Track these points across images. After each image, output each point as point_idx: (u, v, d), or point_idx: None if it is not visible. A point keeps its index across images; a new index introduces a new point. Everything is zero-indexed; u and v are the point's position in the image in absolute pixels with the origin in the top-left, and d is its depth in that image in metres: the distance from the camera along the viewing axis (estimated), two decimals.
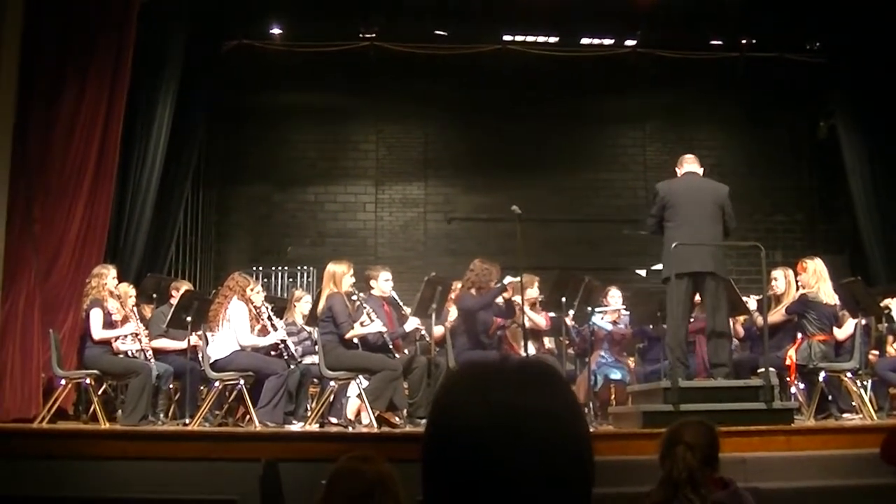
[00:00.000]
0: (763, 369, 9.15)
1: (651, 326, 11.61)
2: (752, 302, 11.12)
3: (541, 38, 16.54)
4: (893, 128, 14.40)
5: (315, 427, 9.99)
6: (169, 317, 10.61)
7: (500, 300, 10.67)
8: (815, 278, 10.47)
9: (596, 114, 17.39)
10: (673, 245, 8.99)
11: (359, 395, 10.13)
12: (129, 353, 10.49)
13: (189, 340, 10.60)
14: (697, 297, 9.61)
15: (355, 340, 10.14)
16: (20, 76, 10.26)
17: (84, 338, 10.33)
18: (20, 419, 9.85)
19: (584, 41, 16.62)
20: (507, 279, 10.51)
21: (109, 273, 10.53)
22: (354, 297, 10.28)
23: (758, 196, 16.13)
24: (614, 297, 12.15)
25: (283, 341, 10.71)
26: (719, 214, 9.34)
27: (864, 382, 10.65)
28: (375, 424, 9.59)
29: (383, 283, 10.83)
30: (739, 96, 16.86)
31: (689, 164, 9.64)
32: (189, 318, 10.34)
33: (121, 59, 11.41)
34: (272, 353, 10.67)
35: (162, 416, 10.56)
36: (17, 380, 10.09)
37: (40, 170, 10.59)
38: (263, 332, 10.67)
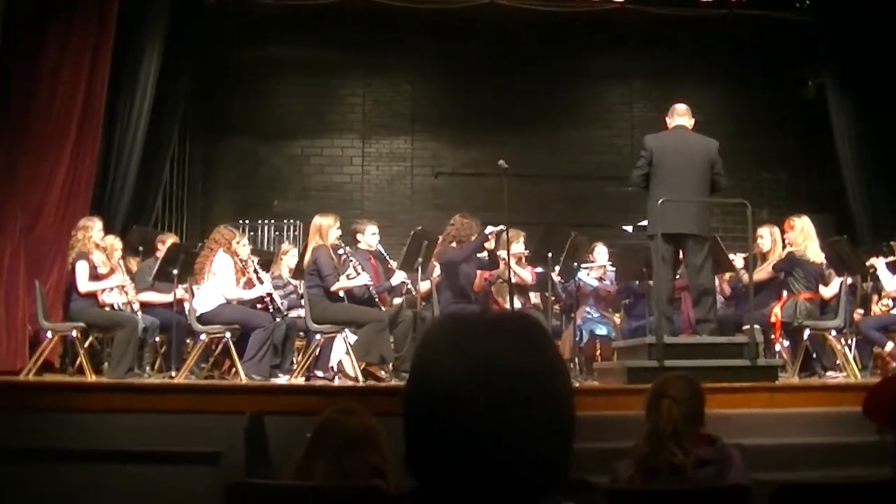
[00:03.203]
0: (748, 326, 9.18)
1: (637, 283, 11.62)
2: (738, 259, 11.14)
3: None
4: (881, 87, 14.36)
5: (301, 380, 10.02)
6: (155, 270, 10.58)
7: (483, 254, 10.64)
8: (803, 236, 10.49)
9: (583, 70, 17.34)
10: (658, 202, 8.96)
11: (347, 352, 10.13)
12: (116, 306, 10.46)
13: (175, 293, 10.59)
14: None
15: (341, 293, 10.15)
16: (2, 28, 10.16)
17: (70, 290, 10.30)
18: (6, 371, 9.85)
19: None
20: (489, 229, 10.46)
21: (95, 226, 10.49)
22: (341, 251, 10.28)
23: (744, 154, 16.09)
24: (600, 253, 12.17)
25: (269, 294, 10.71)
26: (708, 172, 9.24)
27: (849, 341, 10.71)
28: (361, 378, 9.61)
29: (370, 236, 10.81)
30: (727, 54, 16.83)
31: (680, 117, 9.51)
32: (175, 272, 10.31)
33: (105, 11, 11.33)
34: (258, 306, 10.67)
35: (148, 368, 10.57)
36: (2, 332, 10.07)
37: (24, 122, 10.53)
38: (249, 285, 10.66)
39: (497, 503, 1.53)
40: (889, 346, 10.52)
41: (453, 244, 10.64)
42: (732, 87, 17.17)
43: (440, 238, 10.79)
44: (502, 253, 10.58)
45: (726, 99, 17.07)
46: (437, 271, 10.89)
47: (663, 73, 17.11)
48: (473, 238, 10.53)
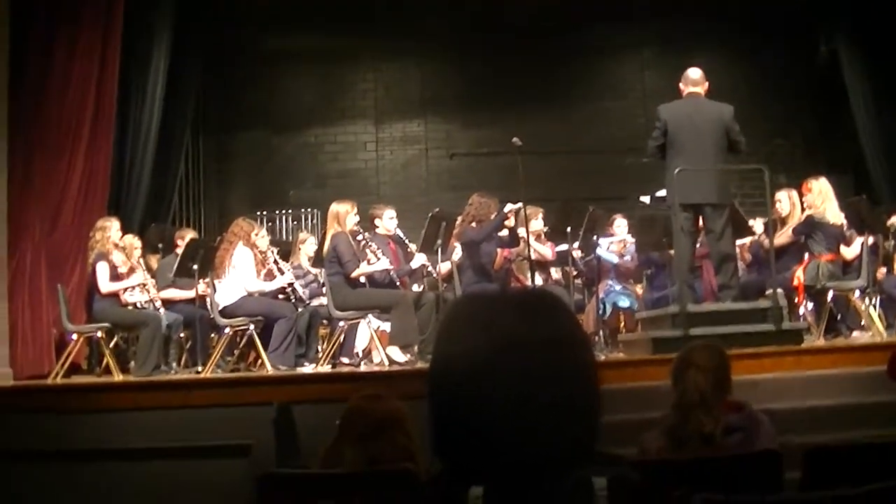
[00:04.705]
0: (771, 291, 9.15)
1: (657, 253, 11.59)
2: (757, 225, 11.10)
3: None
4: (894, 48, 14.27)
5: (326, 368, 10.04)
6: (175, 266, 10.59)
7: (503, 232, 10.64)
8: (821, 198, 10.42)
9: (593, 43, 17.24)
10: (676, 171, 8.93)
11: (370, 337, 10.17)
12: (138, 305, 10.51)
13: (197, 289, 10.60)
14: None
15: (362, 279, 10.16)
16: (11, 29, 10.15)
17: (92, 292, 10.34)
18: (34, 375, 9.91)
19: None
20: (508, 206, 10.45)
21: (113, 226, 10.51)
22: (360, 237, 10.29)
23: (759, 119, 15.95)
24: (620, 226, 12.13)
25: (291, 284, 10.72)
26: (724, 139, 9.18)
27: (873, 300, 10.65)
28: (386, 362, 9.64)
29: (388, 221, 10.82)
30: (739, 20, 16.67)
31: (693, 85, 9.44)
32: (195, 267, 10.33)
33: (112, 6, 11.32)
34: (280, 296, 10.69)
35: (174, 364, 10.59)
36: (28, 337, 10.14)
37: (37, 125, 10.54)
38: (270, 276, 10.68)
39: (526, 480, 1.53)
40: None
41: (473, 224, 10.64)
42: (745, 52, 17.03)
43: (459, 218, 10.78)
44: (521, 231, 10.56)
45: (739, 65, 16.92)
46: (457, 252, 10.88)
47: (674, 42, 16.96)
48: (492, 216, 10.52)
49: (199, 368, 10.07)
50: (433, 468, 1.64)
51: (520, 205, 10.31)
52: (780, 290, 9.33)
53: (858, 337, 10.19)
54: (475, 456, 1.54)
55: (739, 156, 9.60)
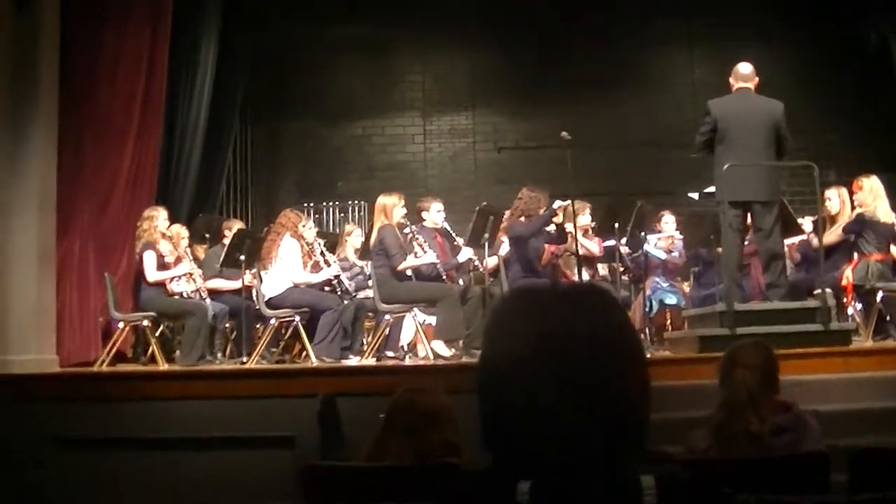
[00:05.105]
0: (819, 290, 9.06)
1: (705, 250, 11.52)
2: (806, 223, 10.99)
3: None
4: None
5: (371, 361, 10.04)
6: (222, 256, 10.62)
7: (551, 227, 10.62)
8: (872, 196, 10.30)
9: (642, 37, 17.14)
10: (725, 167, 8.86)
11: (416, 330, 10.17)
12: (184, 294, 10.56)
13: (243, 279, 10.63)
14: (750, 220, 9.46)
15: (408, 272, 10.15)
16: (61, 19, 10.18)
17: (138, 280, 10.40)
18: (80, 363, 9.98)
19: None
20: (556, 203, 10.44)
21: (160, 215, 10.58)
22: (407, 230, 10.28)
23: (809, 114, 15.75)
24: (668, 222, 12.06)
25: (337, 276, 10.74)
26: (774, 136, 9.11)
27: None
28: (431, 356, 9.63)
29: (435, 214, 10.81)
30: (787, 12, 16.56)
31: (743, 81, 9.35)
32: (242, 257, 10.35)
33: None
34: (325, 288, 10.70)
35: (219, 355, 10.64)
36: (75, 324, 10.21)
37: (87, 113, 10.59)
38: (316, 268, 10.70)
39: (574, 475, 1.51)
40: None
41: (521, 218, 10.61)
42: (794, 45, 16.88)
43: (508, 212, 10.77)
44: (568, 226, 10.53)
45: (788, 58, 16.75)
46: (504, 246, 10.85)
47: (723, 36, 16.86)
48: (541, 211, 10.50)
49: (244, 359, 10.10)
50: (480, 462, 1.62)
51: (568, 202, 10.28)
52: (828, 290, 9.23)
53: None
54: (524, 450, 1.53)
55: (787, 154, 9.50)
